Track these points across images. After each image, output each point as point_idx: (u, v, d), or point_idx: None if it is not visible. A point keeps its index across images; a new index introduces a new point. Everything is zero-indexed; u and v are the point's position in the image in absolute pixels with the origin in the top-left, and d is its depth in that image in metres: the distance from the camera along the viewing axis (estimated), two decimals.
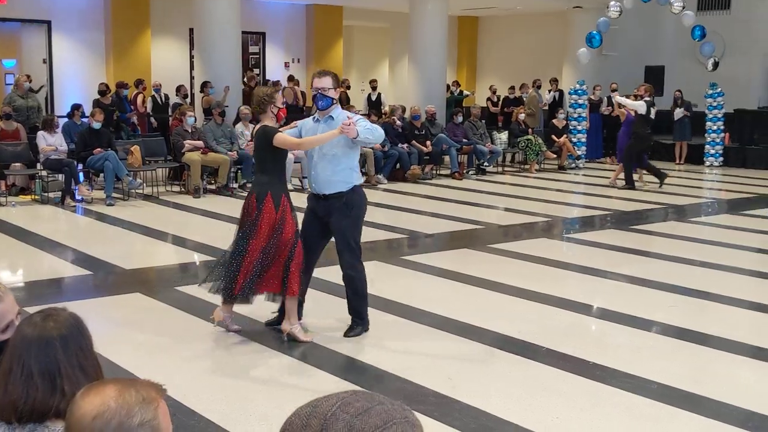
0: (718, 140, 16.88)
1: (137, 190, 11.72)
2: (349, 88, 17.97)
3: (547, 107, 18.52)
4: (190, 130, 12.23)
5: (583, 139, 16.63)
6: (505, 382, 4.95)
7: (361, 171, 13.76)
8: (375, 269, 7.07)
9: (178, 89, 15.55)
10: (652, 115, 13.19)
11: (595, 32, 16.04)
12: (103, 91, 14.29)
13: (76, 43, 17.66)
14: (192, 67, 17.31)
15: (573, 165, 16.31)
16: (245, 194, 12.05)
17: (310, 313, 5.92)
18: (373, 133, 5.51)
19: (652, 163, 13.90)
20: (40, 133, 11.41)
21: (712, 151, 16.94)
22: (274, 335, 5.70)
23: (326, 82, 5.61)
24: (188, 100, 15.65)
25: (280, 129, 5.67)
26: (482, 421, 4.34)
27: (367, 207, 5.82)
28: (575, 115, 16.63)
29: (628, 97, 14.04)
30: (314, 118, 5.78)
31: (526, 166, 15.90)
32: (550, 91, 18.88)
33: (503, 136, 16.15)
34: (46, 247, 8.62)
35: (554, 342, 5.60)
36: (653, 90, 13.49)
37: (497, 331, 5.84)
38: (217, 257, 5.90)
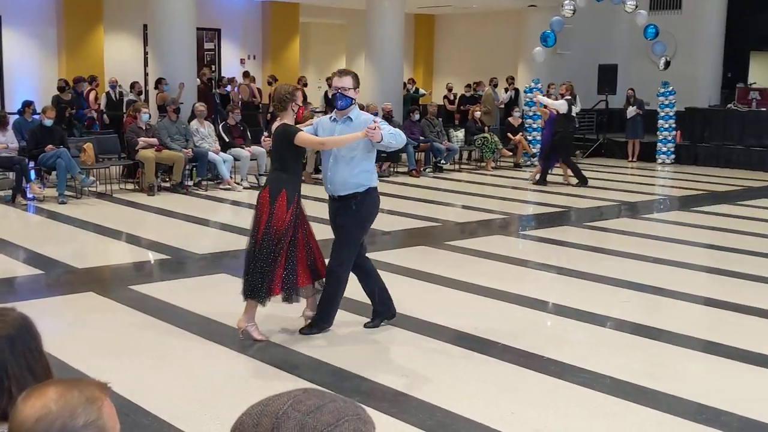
0: (669, 138, 17.16)
1: (90, 188, 11.54)
2: (306, 85, 17.92)
3: (503, 105, 18.65)
4: (144, 127, 12.08)
5: (539, 137, 16.77)
6: (462, 379, 4.96)
7: (319, 168, 13.78)
8: None
9: (133, 86, 15.37)
10: (574, 113, 13.42)
11: (549, 31, 16.19)
12: (63, 87, 14.07)
13: (27, 37, 17.33)
14: (146, 64, 17.09)
15: (528, 162, 16.45)
16: (200, 192, 12.12)
17: (267, 311, 5.86)
18: (396, 138, 5.44)
19: (577, 164, 14.13)
20: None
21: (664, 149, 17.21)
22: (230, 334, 5.65)
23: (347, 81, 5.56)
24: (142, 96, 15.47)
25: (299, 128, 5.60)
26: (439, 417, 4.35)
27: (378, 212, 5.74)
28: (530, 113, 16.78)
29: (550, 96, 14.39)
30: (331, 117, 5.70)
31: (483, 164, 16.00)
32: (506, 89, 19.03)
33: (460, 134, 16.22)
34: None
35: (510, 338, 5.64)
36: (573, 88, 13.76)
37: (454, 328, 5.85)
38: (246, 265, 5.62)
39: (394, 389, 4.73)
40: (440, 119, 16.29)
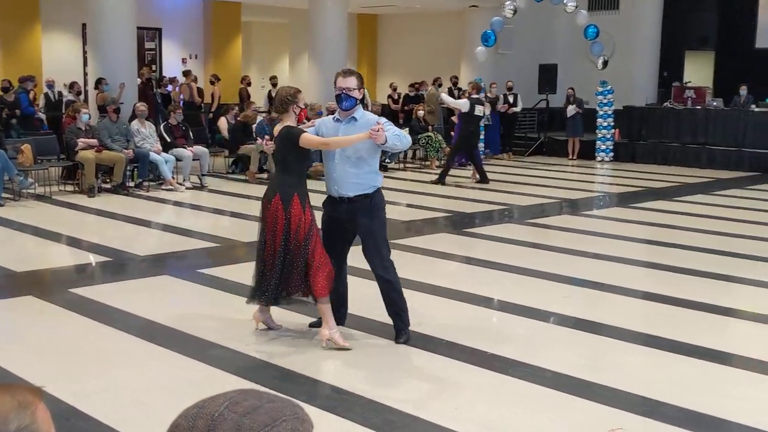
0: (608, 136, 17.46)
1: (29, 190, 11.31)
2: (249, 84, 17.81)
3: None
4: (84, 128, 11.88)
5: (482, 136, 16.92)
6: (407, 376, 5.00)
7: (262, 167, 13.70)
8: None
9: (71, 86, 15.08)
10: (477, 113, 13.59)
11: (490, 31, 16.34)
12: (7, 87, 13.74)
13: None
14: (85, 63, 16.78)
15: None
16: (142, 193, 11.96)
17: (213, 312, 5.84)
18: (401, 140, 5.44)
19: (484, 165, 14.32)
20: None
21: (603, 147, 17.51)
22: (173, 337, 5.60)
23: (351, 82, 5.51)
24: (82, 96, 15.19)
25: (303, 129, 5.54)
26: (385, 415, 4.38)
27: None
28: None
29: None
30: (335, 117, 5.65)
31: (427, 163, 16.10)
32: (450, 88, 19.15)
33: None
34: None
35: (454, 334, 5.69)
36: (480, 88, 13.97)
37: None
38: (258, 271, 5.54)
39: (340, 388, 4.74)
40: (384, 118, 16.30)
